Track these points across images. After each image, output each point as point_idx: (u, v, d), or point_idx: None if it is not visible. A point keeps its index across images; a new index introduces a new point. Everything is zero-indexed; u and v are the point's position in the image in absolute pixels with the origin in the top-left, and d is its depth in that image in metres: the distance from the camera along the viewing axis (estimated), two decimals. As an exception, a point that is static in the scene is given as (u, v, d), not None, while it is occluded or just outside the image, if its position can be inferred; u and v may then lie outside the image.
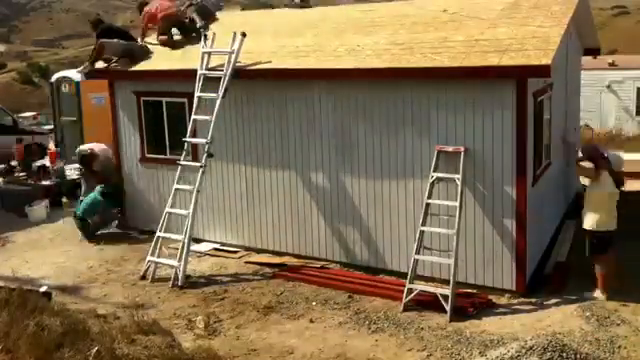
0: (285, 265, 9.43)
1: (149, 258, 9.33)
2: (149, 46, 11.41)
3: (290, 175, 9.60)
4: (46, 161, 15.13)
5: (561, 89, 10.41)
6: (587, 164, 8.64)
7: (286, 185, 9.65)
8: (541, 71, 7.59)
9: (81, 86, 15.85)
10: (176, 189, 9.56)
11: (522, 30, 8.50)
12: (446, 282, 7.93)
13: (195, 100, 9.65)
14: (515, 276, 8.09)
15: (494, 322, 7.52)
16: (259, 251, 10.03)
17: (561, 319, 7.41)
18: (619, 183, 8.27)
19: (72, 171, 13.77)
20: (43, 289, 8.14)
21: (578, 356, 5.74)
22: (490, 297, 8.09)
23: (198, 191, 9.32)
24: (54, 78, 17.27)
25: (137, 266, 9.66)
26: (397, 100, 8.60)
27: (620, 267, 8.29)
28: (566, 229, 10.31)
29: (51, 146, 16.28)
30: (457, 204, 7.98)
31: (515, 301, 8.04)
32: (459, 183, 8.01)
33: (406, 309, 7.89)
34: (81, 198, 11.70)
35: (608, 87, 23.93)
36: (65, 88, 16.45)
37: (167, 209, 9.53)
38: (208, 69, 9.72)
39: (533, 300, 8.01)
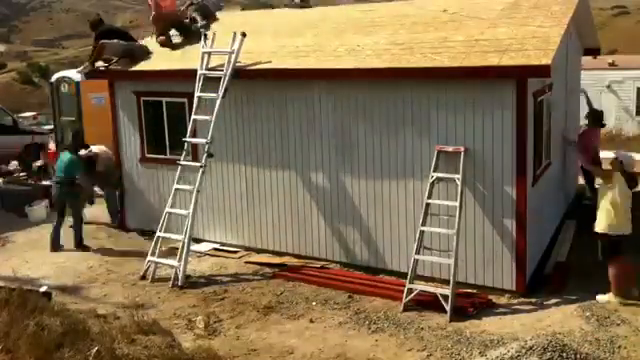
0: (285, 265, 9.43)
1: (149, 258, 9.33)
2: (149, 46, 11.42)
3: (290, 175, 9.60)
4: (39, 162, 15.11)
5: (561, 89, 10.41)
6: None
7: (286, 185, 9.65)
8: (541, 71, 7.59)
9: (81, 86, 15.85)
10: (176, 189, 9.56)
11: (522, 30, 8.50)
12: (446, 282, 7.93)
13: (195, 100, 9.65)
14: (515, 276, 8.09)
15: (494, 322, 7.52)
16: (259, 251, 10.04)
17: (561, 319, 7.41)
18: (632, 184, 8.10)
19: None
20: (43, 289, 8.14)
21: (578, 356, 5.74)
22: (490, 297, 8.10)
23: (198, 191, 9.32)
24: (54, 78, 17.27)
25: (137, 266, 9.66)
26: (397, 100, 8.60)
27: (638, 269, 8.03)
28: (566, 229, 10.31)
29: (51, 146, 16.28)
30: (457, 204, 7.98)
31: (515, 301, 8.04)
32: (459, 183, 8.01)
33: (406, 309, 7.89)
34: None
35: (608, 87, 23.91)
36: (64, 88, 16.44)
37: (167, 209, 9.53)
38: (208, 69, 9.72)
39: (533, 300, 8.01)
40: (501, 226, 8.10)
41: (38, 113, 35.01)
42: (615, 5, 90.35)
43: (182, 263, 8.97)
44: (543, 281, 8.51)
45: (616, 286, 7.82)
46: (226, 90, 9.43)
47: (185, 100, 10.22)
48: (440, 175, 8.21)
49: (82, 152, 11.41)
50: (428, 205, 8.21)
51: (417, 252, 8.16)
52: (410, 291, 7.99)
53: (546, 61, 7.55)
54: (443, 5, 10.07)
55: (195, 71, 9.70)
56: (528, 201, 8.01)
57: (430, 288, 8.02)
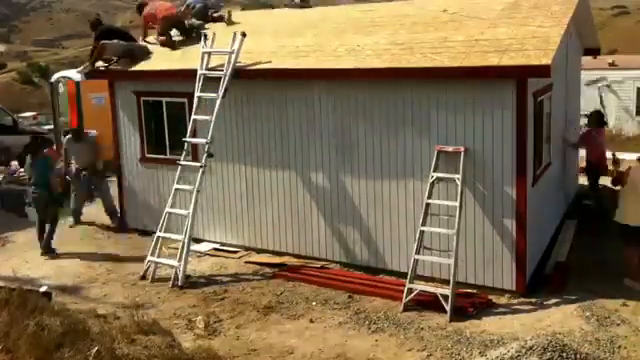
0: (285, 265, 9.43)
1: (149, 258, 9.33)
2: (149, 46, 11.42)
3: (290, 175, 9.60)
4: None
5: (561, 89, 10.41)
6: None
7: (286, 185, 9.65)
8: (541, 71, 7.59)
9: (81, 86, 15.86)
10: (176, 189, 9.56)
11: (522, 30, 8.50)
12: (446, 282, 7.93)
13: (195, 100, 9.65)
14: (515, 276, 8.09)
15: (494, 322, 7.52)
16: (259, 251, 10.03)
17: (561, 319, 7.41)
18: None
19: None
20: (43, 289, 8.14)
21: (578, 356, 5.74)
22: (490, 297, 8.09)
23: (198, 191, 9.32)
24: (54, 78, 17.28)
25: (137, 266, 9.65)
26: (397, 100, 8.60)
27: None
28: (566, 229, 10.31)
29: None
30: (457, 204, 7.97)
31: (515, 301, 8.04)
32: (459, 183, 8.01)
33: (406, 309, 7.89)
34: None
35: (608, 87, 23.92)
36: (61, 88, 16.46)
37: (167, 209, 9.52)
38: (208, 69, 9.72)
39: (533, 300, 8.01)
40: (501, 226, 8.10)
41: (38, 113, 34.98)
42: (615, 5, 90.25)
43: (182, 263, 8.97)
44: (543, 281, 8.51)
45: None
46: (226, 90, 9.43)
47: (185, 100, 10.22)
48: (440, 175, 8.21)
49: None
50: (428, 205, 8.21)
51: (417, 252, 8.16)
52: (410, 291, 7.99)
53: (546, 61, 7.55)
54: (443, 5, 10.07)
55: (195, 71, 9.70)
56: (528, 201, 8.01)
57: (430, 288, 8.02)
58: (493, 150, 8.05)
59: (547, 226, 9.74)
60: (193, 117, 9.67)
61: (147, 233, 10.80)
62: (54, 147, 15.56)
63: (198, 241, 10.27)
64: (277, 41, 10.28)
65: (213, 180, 10.20)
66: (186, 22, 11.61)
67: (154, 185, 11.03)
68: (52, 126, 18.71)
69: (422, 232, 8.19)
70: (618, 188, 8.82)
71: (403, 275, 8.33)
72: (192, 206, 9.24)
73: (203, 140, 9.45)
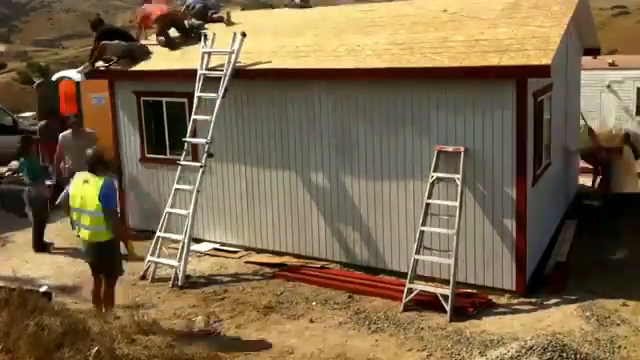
0: (285, 265, 9.43)
1: (149, 258, 9.33)
2: (149, 46, 11.42)
3: (290, 175, 9.60)
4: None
5: (561, 89, 10.41)
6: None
7: (286, 185, 9.65)
8: (541, 71, 7.59)
9: (81, 86, 15.86)
10: (176, 189, 9.56)
11: (522, 30, 8.50)
12: (446, 282, 7.93)
13: (195, 100, 9.65)
14: (515, 276, 8.09)
15: (494, 322, 7.52)
16: (259, 251, 10.04)
17: (561, 319, 7.41)
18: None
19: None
20: (43, 289, 8.13)
21: (578, 356, 5.74)
22: (490, 297, 8.10)
23: (198, 191, 9.32)
24: (54, 78, 17.27)
25: (137, 266, 9.63)
26: (397, 100, 8.60)
27: None
28: (566, 229, 10.31)
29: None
30: (457, 204, 7.98)
31: (515, 301, 8.04)
32: (459, 183, 8.01)
33: (406, 309, 7.89)
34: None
35: (608, 87, 23.92)
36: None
37: (167, 209, 9.53)
38: (208, 69, 9.72)
39: (533, 300, 8.01)
40: (501, 226, 8.10)
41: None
42: (615, 5, 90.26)
43: (182, 263, 8.97)
44: (543, 281, 8.51)
45: None
46: (226, 90, 9.43)
47: (185, 100, 10.22)
48: (440, 175, 8.21)
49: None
50: (428, 205, 8.21)
51: (417, 252, 8.16)
52: (410, 291, 7.99)
53: (546, 61, 7.55)
54: (443, 5, 10.07)
55: (195, 71, 9.70)
56: (528, 201, 8.01)
57: (430, 288, 8.02)
58: (493, 150, 8.05)
59: (547, 226, 9.74)
60: (193, 117, 9.67)
61: (147, 233, 10.79)
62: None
63: (198, 241, 10.27)
64: (277, 41, 10.28)
65: (213, 180, 10.20)
66: (186, 22, 11.63)
67: (154, 185, 11.03)
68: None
69: (422, 232, 8.19)
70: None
71: (403, 275, 8.33)
72: (192, 206, 9.24)
73: (203, 140, 9.45)
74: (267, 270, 9.36)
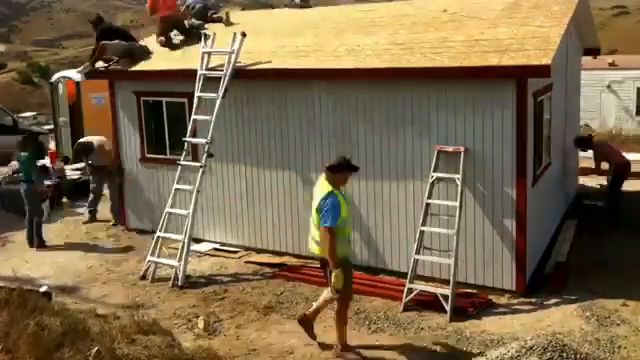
0: (285, 265, 9.43)
1: (149, 258, 9.33)
2: (149, 46, 11.42)
3: (290, 175, 9.60)
4: (40, 161, 15.05)
5: (561, 89, 10.41)
6: None
7: (286, 185, 9.65)
8: (541, 71, 7.59)
9: (81, 86, 15.86)
10: (176, 189, 9.56)
11: (522, 30, 8.50)
12: (446, 282, 7.93)
13: (195, 100, 9.65)
14: (515, 276, 8.09)
15: (494, 322, 7.52)
16: (259, 251, 10.03)
17: (561, 319, 7.41)
18: None
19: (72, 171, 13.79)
20: (43, 289, 8.14)
21: (578, 356, 5.74)
22: (490, 297, 8.09)
23: (198, 191, 9.32)
24: (54, 78, 17.28)
25: (137, 266, 9.66)
26: (397, 100, 8.60)
27: None
28: (566, 229, 10.31)
29: (51, 146, 16.28)
30: (457, 204, 7.97)
31: (515, 301, 8.03)
32: (459, 183, 8.01)
33: (406, 309, 7.89)
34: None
35: (608, 87, 23.95)
36: (61, 88, 16.46)
37: (167, 209, 9.53)
38: (208, 69, 9.72)
39: (533, 300, 8.00)
40: (501, 226, 8.10)
41: (38, 113, 35.03)
42: (615, 5, 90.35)
43: (182, 263, 8.97)
44: (543, 281, 8.51)
45: None
46: (226, 90, 9.44)
47: (185, 100, 10.22)
48: (440, 175, 8.21)
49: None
50: (428, 205, 8.21)
51: (417, 252, 8.16)
52: (410, 291, 7.99)
53: (546, 61, 7.55)
54: (443, 5, 10.07)
55: (195, 71, 9.70)
56: (528, 201, 8.01)
57: (430, 288, 8.02)
58: (493, 150, 8.05)
59: (547, 226, 9.74)
60: (193, 117, 9.67)
61: (147, 233, 10.80)
62: (50, 149, 15.60)
63: (198, 241, 10.27)
64: (277, 41, 10.28)
65: (213, 180, 10.20)
66: (186, 22, 11.63)
67: (154, 185, 11.03)
68: (52, 126, 18.70)
69: (422, 232, 8.19)
70: None
71: (403, 275, 8.33)
72: (192, 206, 9.24)
73: (203, 140, 9.45)
74: (267, 270, 9.36)
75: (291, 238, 9.71)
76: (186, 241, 9.09)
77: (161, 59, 10.94)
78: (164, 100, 10.69)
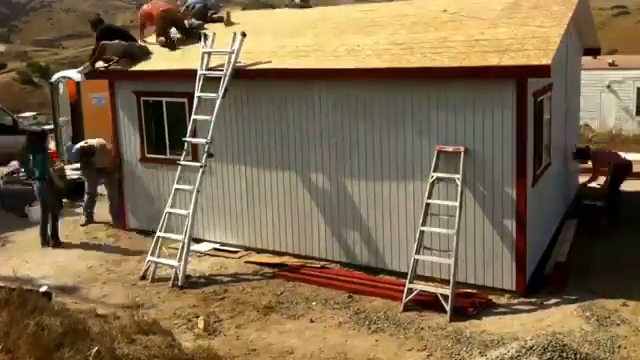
0: (285, 265, 9.43)
1: (149, 258, 9.33)
2: (149, 46, 11.42)
3: (290, 175, 9.60)
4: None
5: (561, 89, 10.41)
6: None
7: (286, 185, 9.65)
8: (541, 71, 7.59)
9: (81, 86, 15.85)
10: (176, 189, 9.56)
11: (522, 30, 8.50)
12: (446, 282, 7.93)
13: (195, 100, 9.65)
14: (515, 276, 8.09)
15: (494, 322, 7.52)
16: (259, 251, 10.03)
17: (561, 319, 7.41)
18: None
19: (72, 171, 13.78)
20: (43, 289, 8.13)
21: (578, 356, 5.74)
22: (490, 297, 8.09)
23: (198, 191, 9.32)
24: (54, 78, 17.27)
25: (137, 266, 9.66)
26: (397, 100, 8.60)
27: None
28: (566, 229, 10.31)
29: (51, 146, 16.26)
30: (457, 204, 7.97)
31: (515, 301, 8.04)
32: (459, 183, 8.01)
33: (406, 309, 7.89)
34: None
35: (608, 87, 23.94)
36: (61, 88, 16.44)
37: (167, 209, 9.52)
38: (208, 69, 9.72)
39: (533, 300, 8.01)
40: (501, 226, 8.10)
41: (38, 113, 35.03)
42: (615, 5, 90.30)
43: (182, 263, 8.96)
44: (543, 281, 8.51)
45: None
46: (226, 90, 9.43)
47: (185, 100, 10.22)
48: (440, 175, 8.21)
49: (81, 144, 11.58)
50: (428, 205, 8.21)
51: (417, 252, 8.16)
52: (410, 291, 7.99)
53: (546, 61, 7.55)
54: (443, 5, 10.07)
55: (195, 71, 9.70)
56: (528, 201, 8.01)
57: (430, 288, 8.02)
58: (493, 150, 8.05)
59: (547, 226, 9.74)
60: (193, 117, 9.66)
61: (147, 233, 10.80)
62: (50, 149, 15.56)
63: (198, 241, 10.27)
64: (277, 41, 10.28)
65: (213, 180, 10.20)
66: (186, 22, 11.63)
67: (154, 185, 11.03)
68: (52, 126, 18.69)
69: (422, 232, 8.19)
70: None
71: (403, 275, 8.33)
72: (192, 206, 9.24)
73: (203, 140, 9.45)
74: (267, 270, 9.36)
75: (291, 238, 9.71)
76: (186, 241, 9.08)
77: (161, 59, 10.94)
78: (164, 100, 10.68)
